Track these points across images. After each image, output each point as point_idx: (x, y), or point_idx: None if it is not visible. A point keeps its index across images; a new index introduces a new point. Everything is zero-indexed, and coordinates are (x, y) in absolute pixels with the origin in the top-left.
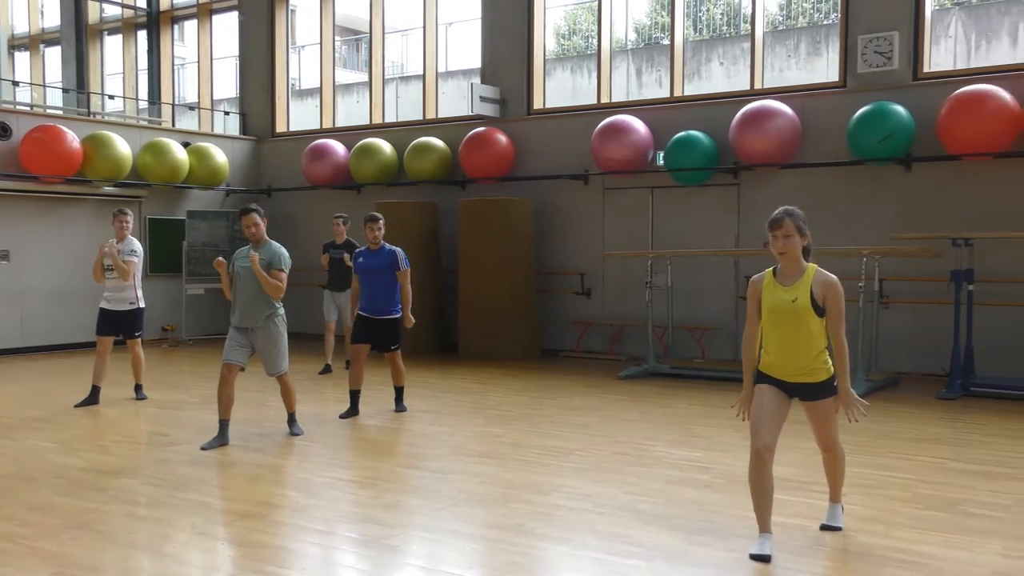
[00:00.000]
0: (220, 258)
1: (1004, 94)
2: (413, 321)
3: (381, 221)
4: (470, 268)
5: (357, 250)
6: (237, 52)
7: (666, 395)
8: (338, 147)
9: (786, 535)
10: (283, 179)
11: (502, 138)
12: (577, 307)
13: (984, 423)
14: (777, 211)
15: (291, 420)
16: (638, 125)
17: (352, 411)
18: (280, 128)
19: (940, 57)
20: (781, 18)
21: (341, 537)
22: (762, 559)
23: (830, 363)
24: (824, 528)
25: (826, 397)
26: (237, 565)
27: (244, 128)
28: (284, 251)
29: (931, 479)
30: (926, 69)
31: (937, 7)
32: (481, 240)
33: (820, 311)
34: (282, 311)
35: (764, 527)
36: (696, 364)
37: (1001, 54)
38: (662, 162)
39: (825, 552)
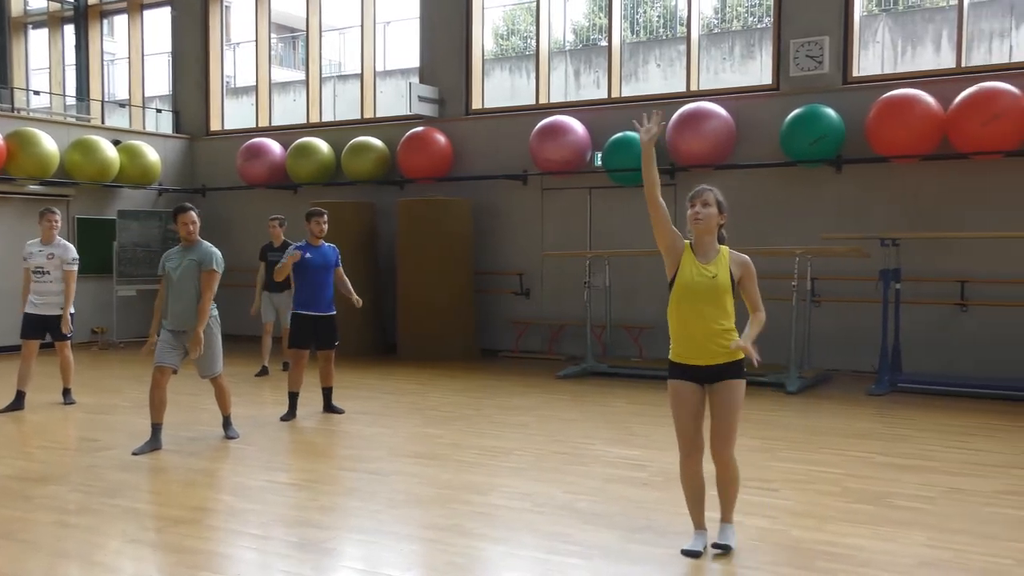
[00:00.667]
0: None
1: (929, 98)
2: (360, 302)
3: (326, 215)
4: (408, 269)
5: (299, 244)
6: (170, 48)
7: (604, 394)
8: (274, 146)
9: None
10: (218, 178)
11: (440, 138)
12: (516, 307)
13: (911, 418)
14: (701, 185)
15: (226, 423)
16: (576, 126)
17: (291, 413)
18: (215, 126)
19: (868, 62)
20: (716, 21)
21: (277, 541)
22: (693, 555)
23: None
24: (715, 547)
25: (736, 377)
26: (170, 572)
27: (177, 126)
28: (218, 252)
29: (860, 473)
30: (855, 73)
31: (865, 13)
32: (419, 240)
33: (735, 291)
34: (216, 312)
35: (699, 524)
36: (634, 363)
37: (926, 59)
38: (600, 163)
39: (759, 547)
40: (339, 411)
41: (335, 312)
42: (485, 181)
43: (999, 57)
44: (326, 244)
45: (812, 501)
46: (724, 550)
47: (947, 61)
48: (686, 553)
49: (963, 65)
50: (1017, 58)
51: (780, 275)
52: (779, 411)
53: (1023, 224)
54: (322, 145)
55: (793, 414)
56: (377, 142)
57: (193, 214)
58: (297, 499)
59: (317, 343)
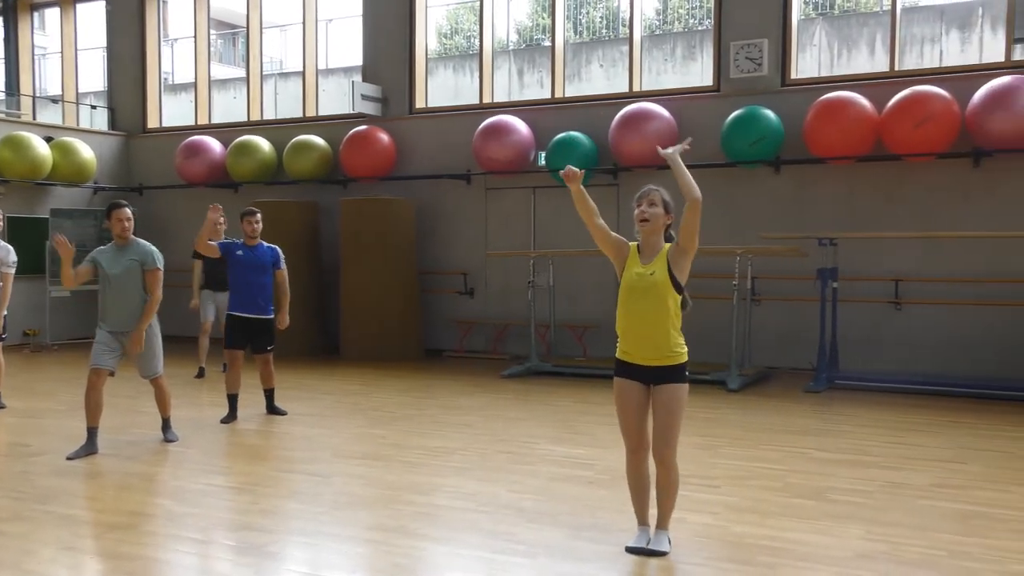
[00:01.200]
0: (60, 236)
1: (864, 101)
2: (288, 323)
3: (259, 215)
4: (352, 268)
5: (232, 241)
6: (105, 43)
7: (549, 393)
8: (214, 144)
9: None
10: (156, 177)
11: (384, 137)
12: (460, 307)
13: (848, 414)
14: (648, 185)
15: (165, 426)
16: (520, 125)
17: (231, 416)
18: (152, 124)
19: (806, 64)
20: (658, 23)
21: (218, 545)
22: (637, 551)
23: (684, 348)
24: (650, 553)
25: (677, 382)
26: None
27: (113, 123)
28: (156, 249)
29: (800, 468)
30: (793, 76)
31: (802, 16)
32: (363, 240)
33: (678, 287)
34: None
35: (642, 521)
36: (578, 362)
37: (860, 62)
38: (543, 162)
39: (703, 543)
40: (282, 412)
41: (272, 316)
42: (429, 180)
43: (930, 61)
44: (265, 244)
45: (754, 497)
46: (658, 556)
47: (881, 64)
48: (630, 550)
49: (896, 69)
50: (948, 63)
51: (721, 274)
52: (721, 409)
53: (954, 224)
54: (263, 143)
55: (734, 412)
56: (320, 141)
57: (127, 211)
58: (238, 502)
59: (252, 346)
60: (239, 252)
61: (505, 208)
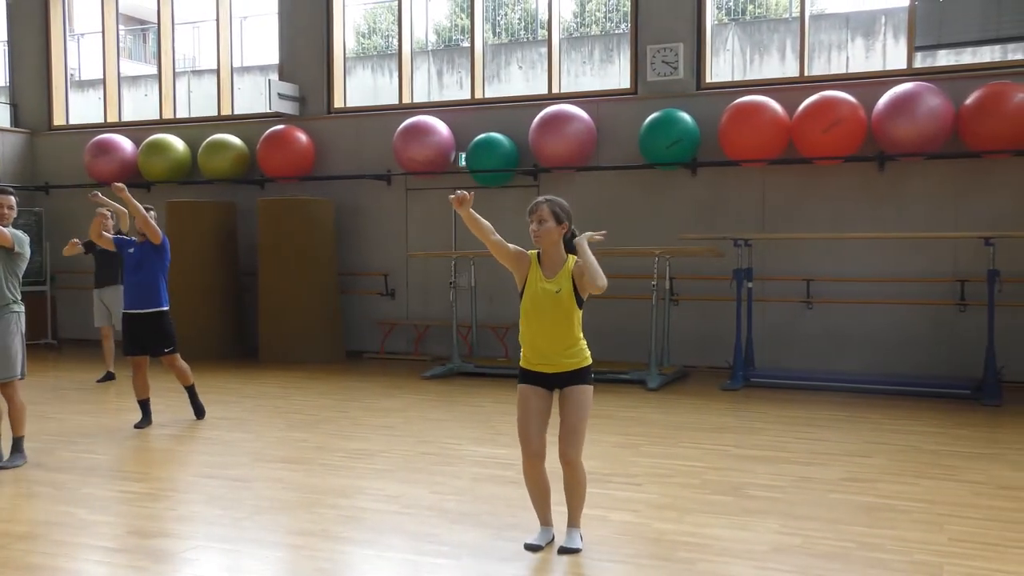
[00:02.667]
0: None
1: (776, 105)
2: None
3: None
4: (270, 270)
5: (124, 237)
6: (6, 37)
7: (471, 394)
8: (125, 142)
9: (588, 526)
10: (63, 175)
11: (302, 136)
12: (381, 308)
13: (763, 411)
14: (538, 198)
15: (16, 446)
16: (439, 126)
17: (145, 420)
18: (58, 121)
19: (720, 68)
20: (576, 25)
21: (132, 554)
22: (535, 548)
23: (587, 352)
24: (562, 551)
25: (582, 383)
26: None
27: (15, 120)
28: (22, 233)
29: (718, 465)
30: (708, 79)
31: (716, 22)
32: (281, 241)
33: (580, 302)
34: (20, 308)
35: (544, 521)
36: (499, 362)
37: (772, 67)
38: (464, 163)
39: (623, 540)
40: (201, 410)
41: (164, 308)
42: (348, 181)
43: (837, 67)
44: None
45: (674, 494)
46: (571, 554)
47: (791, 69)
48: (529, 547)
49: (806, 74)
50: (853, 68)
51: (640, 275)
52: (641, 408)
53: (862, 225)
54: (177, 142)
55: (654, 410)
56: (235, 140)
57: (12, 199)
58: (154, 509)
59: (151, 348)
60: (131, 250)
61: (426, 209)
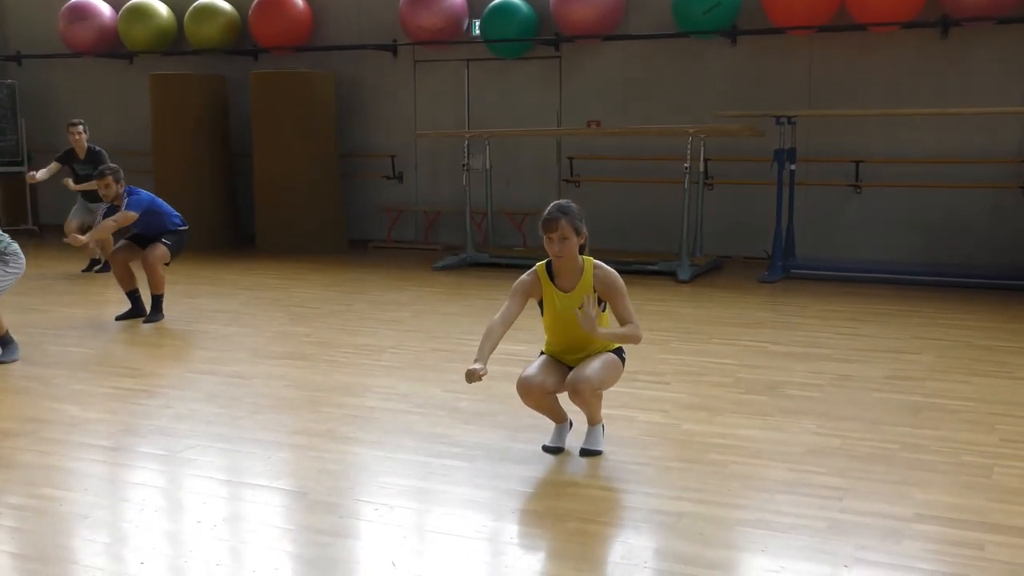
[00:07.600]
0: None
1: None
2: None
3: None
4: (265, 151)
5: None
6: None
7: (485, 286)
8: (103, 7)
9: (613, 426)
10: (35, 44)
11: (299, 1)
12: (387, 193)
13: (803, 305)
14: (550, 209)
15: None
16: None
17: (136, 311)
18: None
19: None
20: None
21: (129, 452)
22: (553, 451)
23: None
24: (584, 453)
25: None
26: (4, 490)
27: None
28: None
29: (752, 363)
30: None
31: None
32: (277, 119)
33: (603, 306)
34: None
35: (558, 420)
36: (517, 252)
37: None
38: (478, 32)
39: (650, 442)
40: (155, 317)
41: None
42: (350, 52)
43: None
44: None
45: (704, 393)
46: (593, 456)
47: None
48: (547, 449)
49: None
50: None
51: (671, 156)
52: (670, 301)
53: (920, 100)
54: (160, 7)
55: (685, 304)
56: (226, 5)
57: None
58: (149, 407)
59: (147, 243)
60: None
61: (436, 83)
